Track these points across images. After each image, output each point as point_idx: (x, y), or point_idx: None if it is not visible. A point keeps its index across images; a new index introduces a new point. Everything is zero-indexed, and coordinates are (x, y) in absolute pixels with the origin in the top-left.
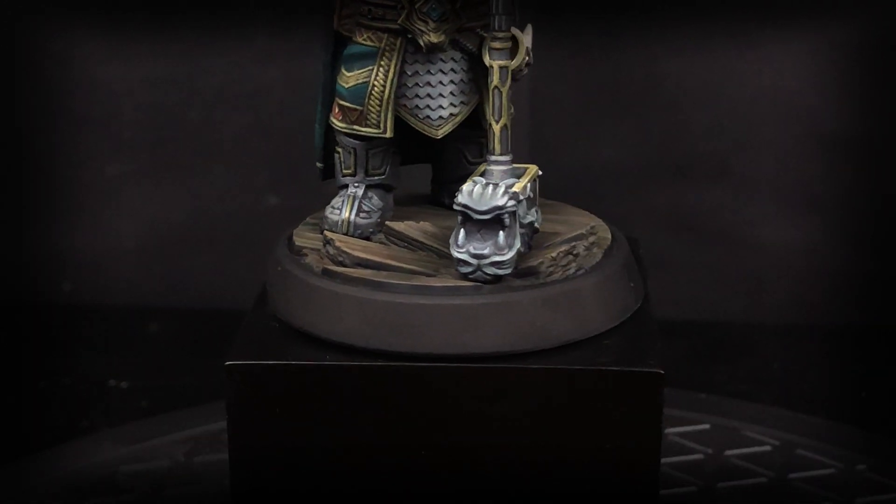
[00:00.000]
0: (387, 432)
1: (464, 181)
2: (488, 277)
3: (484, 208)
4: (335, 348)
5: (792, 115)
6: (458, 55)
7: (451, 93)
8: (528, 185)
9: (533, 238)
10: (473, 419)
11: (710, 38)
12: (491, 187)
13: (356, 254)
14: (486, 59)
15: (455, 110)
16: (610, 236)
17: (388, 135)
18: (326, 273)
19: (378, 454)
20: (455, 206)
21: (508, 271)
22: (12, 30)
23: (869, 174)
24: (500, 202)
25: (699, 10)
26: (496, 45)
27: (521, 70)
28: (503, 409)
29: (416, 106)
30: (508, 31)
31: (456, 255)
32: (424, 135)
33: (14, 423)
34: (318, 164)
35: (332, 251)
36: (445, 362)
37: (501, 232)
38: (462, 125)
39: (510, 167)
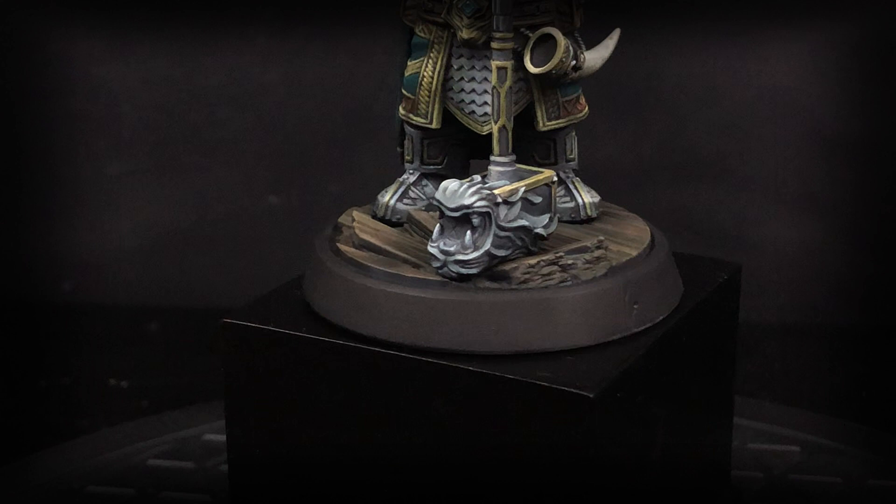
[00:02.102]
0: (341, 408)
1: None
2: (453, 275)
3: (452, 205)
4: (321, 323)
5: (792, 115)
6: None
7: None
8: (524, 189)
9: (535, 244)
10: (412, 410)
11: (710, 38)
12: (465, 186)
13: (363, 236)
14: (526, 60)
15: None
16: (634, 254)
17: (435, 125)
18: (334, 251)
19: (333, 426)
20: (433, 201)
21: (474, 271)
22: (12, 30)
23: (869, 174)
24: (467, 201)
25: (699, 10)
26: (495, 44)
27: (565, 74)
28: (438, 405)
29: (462, 100)
30: (509, 31)
31: (429, 248)
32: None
33: (14, 423)
34: (398, 149)
35: (351, 231)
36: (395, 350)
37: (468, 231)
38: (527, 125)
39: (512, 169)
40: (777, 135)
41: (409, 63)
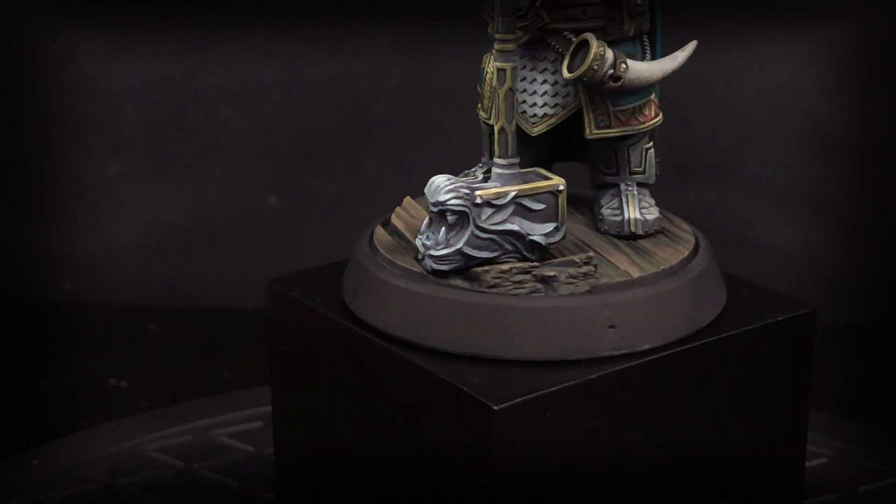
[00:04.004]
0: (336, 385)
1: (600, 189)
2: (428, 268)
3: (432, 200)
4: (339, 299)
5: (792, 115)
6: (552, 56)
7: (546, 93)
8: (514, 193)
9: (533, 251)
10: (377, 396)
11: (709, 38)
12: (448, 182)
13: (395, 220)
14: (563, 64)
15: (550, 111)
16: (635, 276)
17: (492, 121)
18: (371, 233)
19: (330, 402)
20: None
21: (445, 268)
22: (12, 30)
23: (869, 174)
24: (442, 198)
25: (699, 10)
26: (496, 45)
27: (601, 82)
28: (393, 393)
29: (516, 99)
30: (508, 32)
31: (416, 240)
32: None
33: (14, 423)
34: None
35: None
36: (371, 335)
37: (443, 227)
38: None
39: (514, 172)
40: (777, 135)
41: (483, 58)
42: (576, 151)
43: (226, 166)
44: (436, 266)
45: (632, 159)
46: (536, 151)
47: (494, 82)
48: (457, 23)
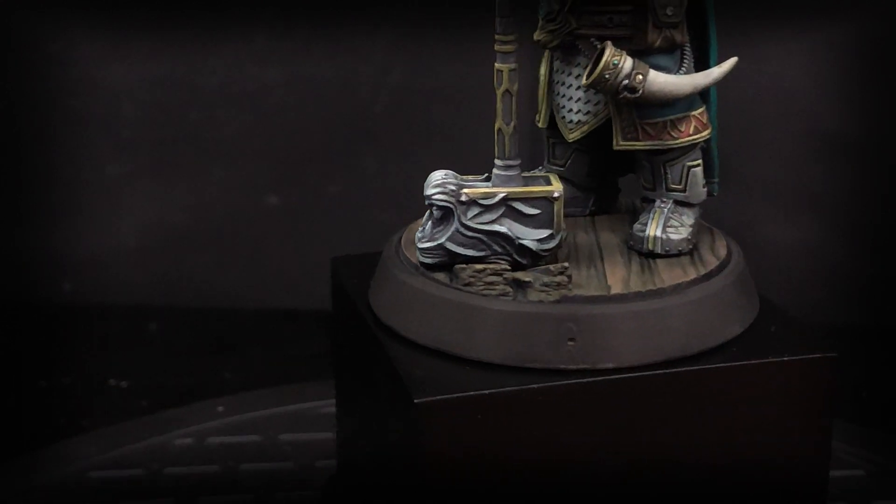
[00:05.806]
0: (349, 364)
1: (644, 203)
2: (419, 259)
3: (424, 193)
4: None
5: (792, 115)
6: (585, 62)
7: (580, 99)
8: (503, 195)
9: (524, 255)
10: (358, 376)
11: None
12: (440, 178)
13: None
14: (586, 71)
15: (583, 118)
16: (615, 292)
17: (541, 125)
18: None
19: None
20: None
21: (428, 261)
22: (12, 30)
23: (869, 174)
24: (428, 192)
25: None
26: (496, 46)
27: (617, 91)
28: (366, 377)
29: (558, 104)
30: (507, 34)
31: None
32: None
33: (14, 423)
34: None
35: None
36: (369, 315)
37: (430, 221)
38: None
39: (513, 174)
40: (777, 135)
41: (541, 60)
42: (634, 164)
43: (226, 166)
44: (422, 258)
45: (669, 175)
46: (592, 159)
47: (495, 83)
48: (457, 23)
